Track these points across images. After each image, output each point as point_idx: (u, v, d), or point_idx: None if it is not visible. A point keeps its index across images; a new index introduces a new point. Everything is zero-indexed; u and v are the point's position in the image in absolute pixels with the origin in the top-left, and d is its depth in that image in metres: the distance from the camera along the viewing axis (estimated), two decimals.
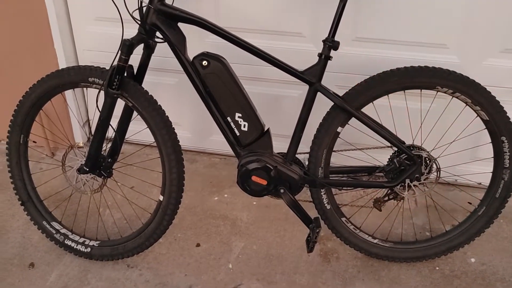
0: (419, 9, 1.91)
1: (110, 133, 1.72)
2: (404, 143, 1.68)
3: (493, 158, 1.74)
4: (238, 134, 1.66)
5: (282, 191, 1.69)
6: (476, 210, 1.83)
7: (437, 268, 1.87)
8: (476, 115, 1.69)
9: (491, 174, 1.78)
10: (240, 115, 1.64)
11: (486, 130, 1.71)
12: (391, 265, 1.88)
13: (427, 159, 1.68)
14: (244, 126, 1.65)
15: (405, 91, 1.65)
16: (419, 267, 1.87)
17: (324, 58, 1.58)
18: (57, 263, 1.88)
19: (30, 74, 1.87)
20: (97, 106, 1.63)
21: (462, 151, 2.04)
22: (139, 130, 1.78)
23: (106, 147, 1.77)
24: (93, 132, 1.70)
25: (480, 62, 1.97)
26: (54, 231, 1.90)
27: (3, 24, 2.25)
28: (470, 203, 2.12)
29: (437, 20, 1.92)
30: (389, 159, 1.74)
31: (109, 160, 1.77)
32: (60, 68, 1.79)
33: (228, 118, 1.65)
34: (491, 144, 1.72)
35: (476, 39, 1.93)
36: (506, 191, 1.74)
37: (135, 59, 1.62)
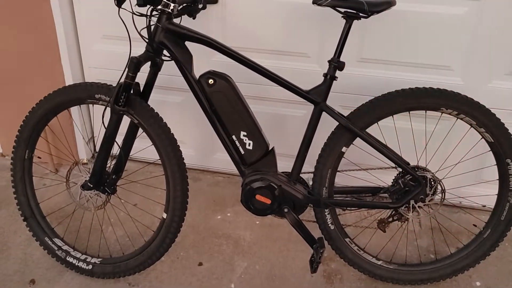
0: (424, 31, 1.93)
1: (115, 149, 1.73)
2: (408, 164, 1.67)
3: (498, 181, 1.74)
4: (243, 152, 1.67)
5: (286, 210, 1.69)
6: (481, 232, 1.81)
7: None
8: (481, 137, 1.69)
9: (496, 196, 1.77)
10: (245, 133, 1.64)
11: (491, 152, 1.71)
12: None
13: (431, 180, 1.67)
14: (249, 145, 1.66)
15: (410, 112, 1.66)
16: None
17: (330, 78, 1.59)
18: (58, 280, 1.87)
19: (37, 90, 1.89)
20: (103, 122, 1.64)
21: (467, 173, 2.03)
22: (143, 148, 1.79)
23: (111, 163, 1.78)
24: (97, 149, 1.71)
25: (485, 84, 1.98)
26: (56, 248, 1.89)
27: (12, 40, 2.28)
28: (475, 226, 2.10)
29: (442, 43, 1.94)
30: (393, 179, 1.73)
31: (113, 176, 1.77)
32: (67, 85, 1.80)
33: (233, 137, 1.65)
34: (496, 166, 1.72)
35: (481, 61, 1.95)
36: (511, 214, 1.72)
37: (141, 77, 1.63)
